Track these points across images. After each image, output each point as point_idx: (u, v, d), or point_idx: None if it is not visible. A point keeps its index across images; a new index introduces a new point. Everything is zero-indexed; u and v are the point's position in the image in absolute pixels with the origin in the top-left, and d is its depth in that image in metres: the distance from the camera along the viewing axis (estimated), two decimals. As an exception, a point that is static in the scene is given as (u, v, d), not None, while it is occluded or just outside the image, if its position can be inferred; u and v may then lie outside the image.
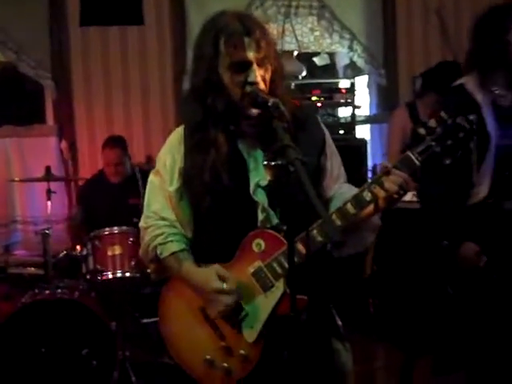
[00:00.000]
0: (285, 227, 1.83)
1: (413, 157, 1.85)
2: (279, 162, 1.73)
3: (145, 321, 4.26)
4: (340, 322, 2.15)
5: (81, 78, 5.42)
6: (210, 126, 1.99)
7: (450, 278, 2.91)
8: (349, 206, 1.88)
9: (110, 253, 4.01)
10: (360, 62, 5.77)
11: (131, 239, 4.01)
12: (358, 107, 5.37)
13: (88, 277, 4.04)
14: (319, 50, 6.03)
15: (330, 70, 6.37)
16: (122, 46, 5.46)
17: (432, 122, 1.82)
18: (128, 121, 5.50)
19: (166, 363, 3.73)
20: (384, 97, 5.85)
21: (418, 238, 3.77)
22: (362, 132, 5.78)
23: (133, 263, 3.99)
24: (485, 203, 2.73)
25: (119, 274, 4.00)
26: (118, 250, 4.01)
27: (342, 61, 6.26)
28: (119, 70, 5.46)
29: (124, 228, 4.08)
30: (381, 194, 1.86)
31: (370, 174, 4.92)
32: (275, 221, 1.96)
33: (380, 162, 4.80)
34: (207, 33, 1.98)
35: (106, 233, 4.07)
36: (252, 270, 1.97)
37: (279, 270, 1.93)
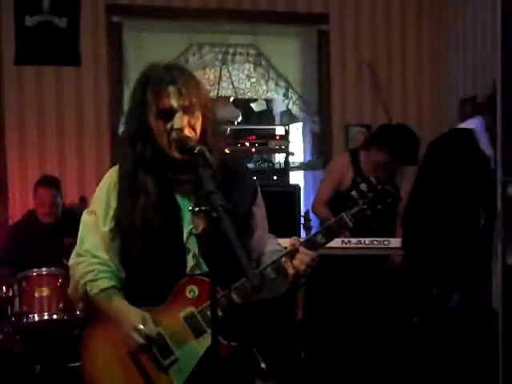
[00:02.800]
0: (219, 276, 1.83)
1: (346, 218, 1.97)
2: (203, 208, 1.76)
3: (71, 364, 4.15)
4: (263, 365, 2.18)
5: (14, 116, 5.34)
6: (139, 172, 2.02)
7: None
8: (268, 270, 1.97)
9: (37, 294, 3.94)
10: (295, 110, 5.87)
11: (60, 280, 3.95)
12: (292, 154, 5.46)
13: (13, 319, 3.94)
14: (255, 97, 6.13)
15: (266, 116, 6.46)
16: (57, 85, 5.41)
17: (363, 187, 1.98)
18: (62, 161, 5.43)
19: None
20: (318, 144, 5.95)
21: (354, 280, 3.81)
22: (296, 178, 5.86)
23: (61, 305, 3.91)
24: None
25: (46, 317, 3.91)
26: (45, 292, 3.95)
27: (278, 107, 6.37)
28: (54, 109, 5.41)
29: (53, 269, 4.02)
30: (290, 269, 1.95)
31: (302, 220, 4.97)
32: (205, 268, 2.00)
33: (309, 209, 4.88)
34: (137, 84, 2.06)
35: (34, 274, 4.00)
36: (184, 315, 2.00)
37: None
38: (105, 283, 2.06)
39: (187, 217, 2.03)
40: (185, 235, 2.03)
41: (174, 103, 1.98)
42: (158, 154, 2.01)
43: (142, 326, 1.95)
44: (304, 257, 1.94)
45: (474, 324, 2.83)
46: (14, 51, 5.30)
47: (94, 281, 2.06)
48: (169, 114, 1.98)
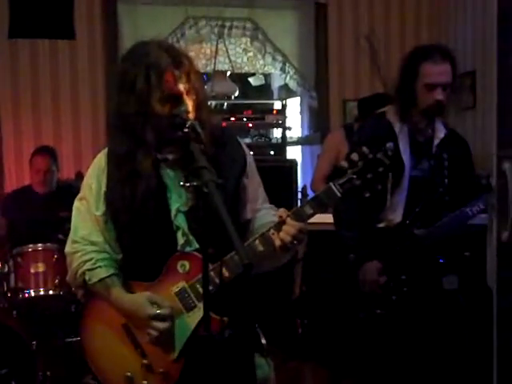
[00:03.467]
0: (211, 250, 1.82)
1: (334, 188, 1.91)
2: (194, 184, 1.75)
3: (68, 340, 4.17)
4: (264, 340, 2.18)
5: (8, 90, 5.31)
6: (138, 155, 1.99)
7: (355, 293, 3.04)
8: (257, 242, 1.93)
9: (32, 270, 3.94)
10: (292, 84, 5.84)
11: (55, 256, 3.94)
12: (289, 128, 5.43)
13: (9, 295, 3.94)
14: (252, 71, 6.09)
15: (264, 90, 6.43)
16: (51, 59, 5.37)
17: (354, 156, 1.90)
18: (57, 136, 5.41)
19: (88, 383, 3.66)
20: (315, 119, 5.92)
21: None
22: (293, 153, 5.83)
23: (56, 281, 3.91)
24: (397, 229, 2.91)
25: (42, 292, 3.91)
26: (41, 268, 3.94)
27: (276, 82, 6.33)
28: (48, 84, 5.38)
29: (48, 245, 4.00)
30: (276, 241, 1.91)
31: (299, 195, 4.96)
32: (195, 245, 2.00)
33: (309, 183, 4.88)
34: (133, 64, 1.98)
35: (30, 249, 3.99)
36: (176, 289, 2.00)
37: (202, 291, 1.92)
38: (103, 272, 2.05)
39: (174, 195, 2.02)
40: (173, 213, 2.02)
41: (181, 88, 1.96)
42: (159, 136, 1.98)
43: (157, 311, 1.95)
44: (290, 228, 1.89)
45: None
46: (7, 25, 5.25)
47: (92, 270, 2.05)
48: (175, 99, 1.96)
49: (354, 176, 1.90)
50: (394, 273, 2.89)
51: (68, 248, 2.13)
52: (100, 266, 2.06)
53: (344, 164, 1.91)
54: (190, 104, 1.98)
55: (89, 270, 2.05)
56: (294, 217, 1.92)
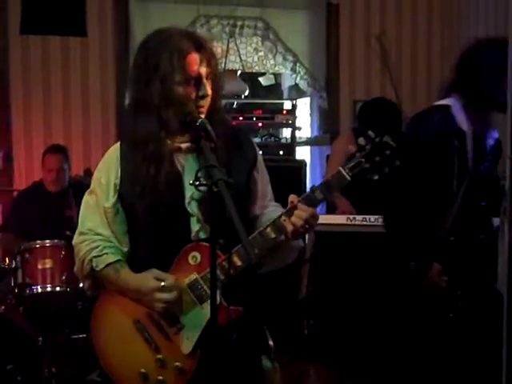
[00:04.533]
0: (221, 241, 1.84)
1: (344, 172, 1.91)
2: (204, 182, 1.77)
3: (74, 336, 4.17)
4: (272, 343, 2.17)
5: (20, 86, 5.32)
6: (161, 137, 2.01)
7: (414, 300, 2.95)
8: (268, 230, 1.94)
9: (40, 266, 3.93)
10: (303, 84, 5.83)
11: (63, 253, 3.93)
12: (299, 129, 5.41)
13: (16, 290, 3.94)
14: (263, 70, 6.07)
15: (274, 90, 6.42)
16: (63, 56, 5.38)
17: (361, 141, 1.92)
18: (67, 133, 5.41)
19: (94, 380, 3.66)
20: (325, 119, 5.90)
21: (377, 260, 3.84)
22: (302, 154, 5.82)
23: (64, 277, 3.91)
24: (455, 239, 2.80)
25: (49, 289, 3.91)
26: (48, 264, 3.93)
27: (286, 82, 6.32)
28: (59, 80, 5.39)
29: (56, 241, 4.00)
30: (289, 227, 1.91)
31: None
32: (208, 234, 1.97)
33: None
34: (159, 50, 2.00)
35: (37, 245, 3.98)
36: (188, 281, 2.00)
37: None
38: (110, 258, 2.06)
39: (187, 182, 2.00)
40: (187, 200, 2.02)
41: (203, 70, 1.99)
42: (182, 121, 1.99)
43: (162, 283, 1.96)
44: (302, 212, 1.89)
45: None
46: (19, 20, 5.26)
47: (99, 256, 2.07)
48: (197, 81, 1.99)
49: (363, 159, 1.90)
50: (451, 288, 2.81)
51: (75, 239, 2.15)
52: (107, 253, 2.07)
53: (352, 148, 1.92)
54: (208, 89, 2.00)
55: (96, 256, 2.07)
56: (304, 202, 1.92)
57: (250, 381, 2.08)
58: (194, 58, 1.98)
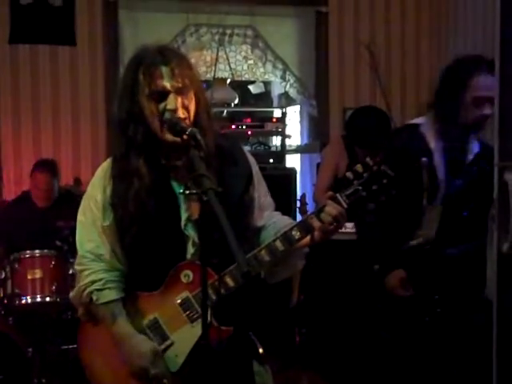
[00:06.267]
0: (214, 260, 1.83)
1: (341, 199, 1.93)
2: (193, 191, 1.76)
3: (64, 347, 4.15)
4: (261, 348, 2.17)
5: (8, 96, 5.30)
6: (131, 156, 1.98)
7: (379, 301, 3.01)
8: (278, 243, 1.94)
9: (29, 276, 3.92)
10: (292, 92, 5.83)
11: (53, 263, 3.92)
12: (289, 137, 5.42)
13: (5, 301, 3.92)
14: (253, 79, 6.08)
15: (264, 98, 6.42)
16: (52, 65, 5.37)
17: (359, 168, 1.92)
18: (57, 142, 5.40)
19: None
20: (315, 127, 5.91)
21: (349, 265, 3.86)
22: (292, 161, 5.82)
23: (54, 287, 3.89)
24: (428, 248, 2.84)
25: (39, 299, 3.89)
26: (38, 274, 3.92)
27: (276, 90, 6.33)
28: (49, 89, 5.37)
29: (46, 251, 3.99)
30: (316, 224, 1.92)
31: (298, 204, 4.94)
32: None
33: (308, 192, 4.86)
34: (129, 66, 2.02)
35: (27, 256, 3.97)
36: (179, 300, 1.99)
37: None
38: (112, 295, 2.03)
39: (184, 204, 2.00)
40: (183, 222, 2.00)
41: (167, 84, 1.93)
42: (150, 137, 1.97)
43: (152, 371, 1.95)
44: (332, 209, 1.90)
45: None
46: (8, 30, 5.25)
47: (100, 290, 2.03)
48: (161, 95, 1.94)
49: (360, 187, 1.92)
50: (427, 293, 2.83)
51: (77, 265, 2.11)
52: (109, 288, 2.03)
53: (349, 175, 1.93)
54: (179, 103, 1.94)
55: (97, 290, 2.03)
56: (299, 229, 1.94)
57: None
58: (160, 71, 1.93)
